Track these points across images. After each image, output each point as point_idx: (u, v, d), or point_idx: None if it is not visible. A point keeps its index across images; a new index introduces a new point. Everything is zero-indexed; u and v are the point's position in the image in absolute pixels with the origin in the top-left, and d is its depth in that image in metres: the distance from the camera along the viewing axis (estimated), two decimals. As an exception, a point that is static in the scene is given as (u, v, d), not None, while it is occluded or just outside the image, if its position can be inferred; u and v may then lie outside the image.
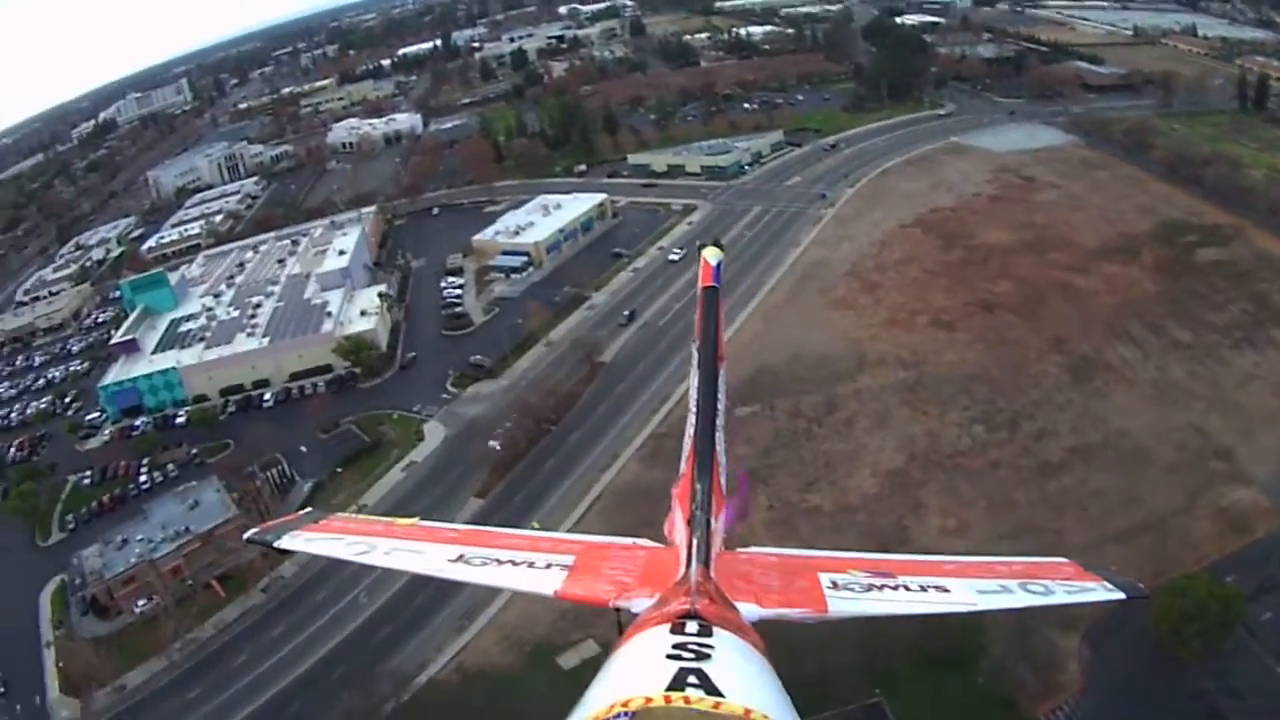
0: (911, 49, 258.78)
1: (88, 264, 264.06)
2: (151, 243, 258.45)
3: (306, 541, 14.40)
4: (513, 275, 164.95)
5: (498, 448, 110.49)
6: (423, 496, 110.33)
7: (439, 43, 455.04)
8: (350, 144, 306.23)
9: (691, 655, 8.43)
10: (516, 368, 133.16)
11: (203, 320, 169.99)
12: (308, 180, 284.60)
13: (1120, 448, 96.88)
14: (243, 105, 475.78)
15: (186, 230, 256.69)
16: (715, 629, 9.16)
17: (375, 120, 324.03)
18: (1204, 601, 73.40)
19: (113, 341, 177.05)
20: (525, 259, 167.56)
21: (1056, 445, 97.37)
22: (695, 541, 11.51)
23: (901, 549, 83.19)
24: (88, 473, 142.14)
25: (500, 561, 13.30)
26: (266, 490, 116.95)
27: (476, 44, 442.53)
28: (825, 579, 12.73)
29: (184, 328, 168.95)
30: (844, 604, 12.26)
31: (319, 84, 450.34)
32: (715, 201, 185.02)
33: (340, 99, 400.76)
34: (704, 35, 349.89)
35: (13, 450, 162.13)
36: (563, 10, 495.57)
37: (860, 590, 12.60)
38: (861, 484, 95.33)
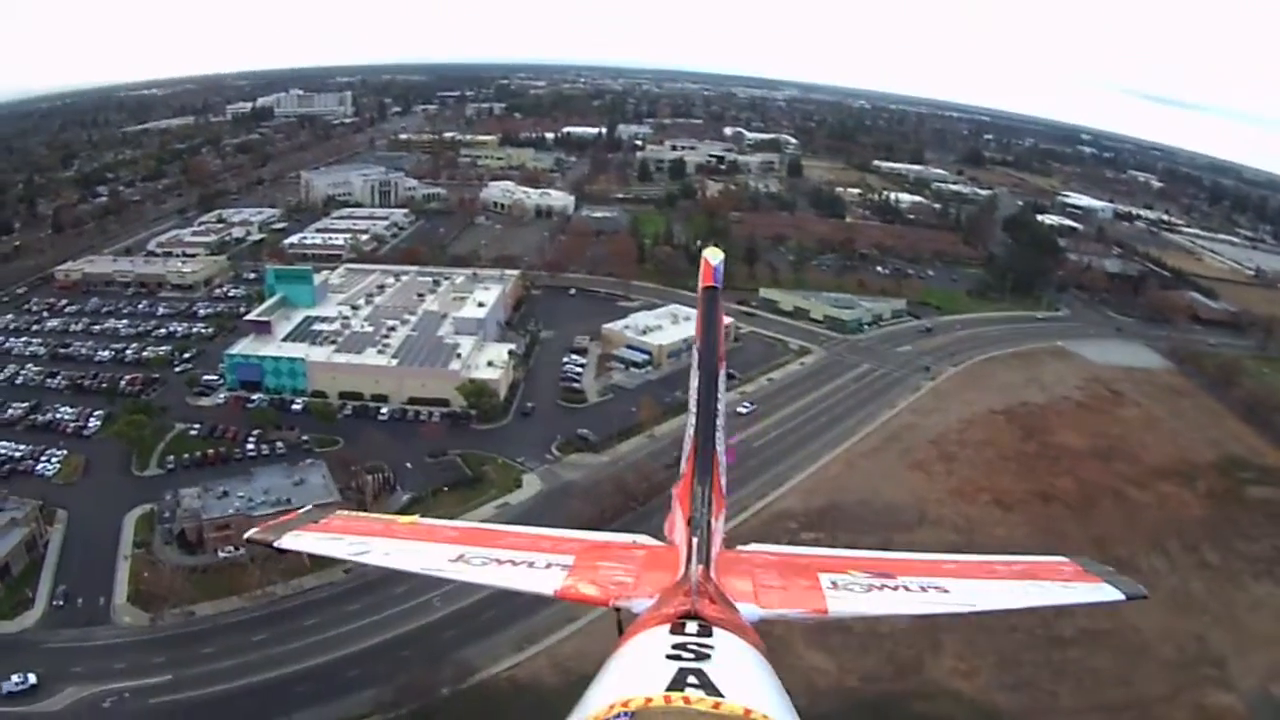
0: (1043, 249, 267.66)
1: (227, 239, 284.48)
2: (294, 239, 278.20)
3: (307, 541, 14.96)
4: (632, 368, 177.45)
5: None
6: None
7: (604, 131, 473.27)
8: (502, 205, 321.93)
9: (691, 655, 8.87)
10: (619, 449, 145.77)
11: (337, 325, 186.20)
12: (455, 228, 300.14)
13: (1126, 638, 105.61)
14: (403, 136, 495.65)
15: (331, 239, 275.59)
16: (715, 629, 9.63)
17: (530, 189, 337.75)
18: None
19: (248, 317, 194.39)
20: (647, 357, 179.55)
21: (1071, 624, 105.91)
22: (695, 541, 11.91)
23: (917, 678, 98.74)
24: (197, 426, 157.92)
25: (500, 561, 13.82)
26: (368, 490, 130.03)
27: (639, 142, 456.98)
28: (825, 579, 13.33)
29: (317, 327, 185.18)
30: (844, 604, 12.79)
31: (481, 138, 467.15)
32: (830, 351, 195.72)
33: (499, 159, 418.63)
34: (855, 191, 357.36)
35: (124, 383, 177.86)
36: (728, 131, 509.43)
37: (860, 590, 13.13)
38: (894, 624, 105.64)
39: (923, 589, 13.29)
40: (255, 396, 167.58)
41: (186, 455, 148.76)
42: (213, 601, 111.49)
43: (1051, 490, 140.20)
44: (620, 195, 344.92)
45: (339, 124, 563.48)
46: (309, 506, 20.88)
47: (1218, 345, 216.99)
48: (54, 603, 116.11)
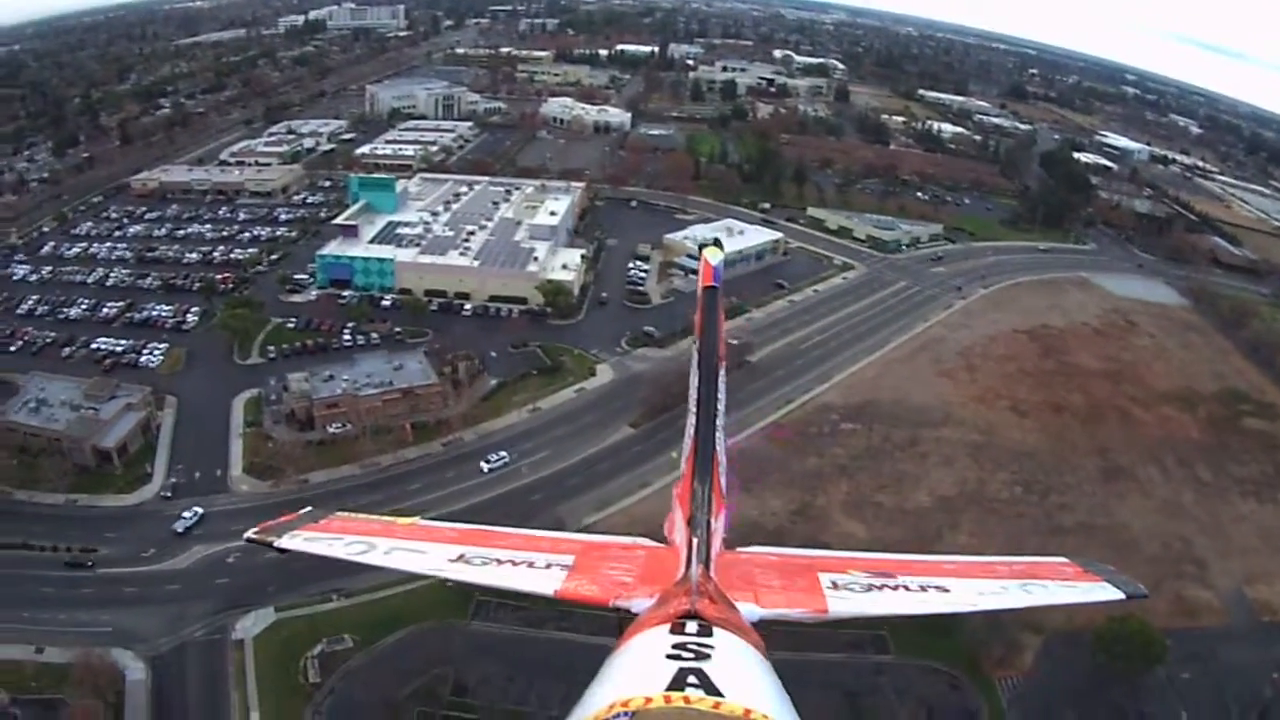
0: (1076, 186, 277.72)
1: (298, 149, 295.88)
2: (366, 149, 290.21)
3: (307, 541, 15.21)
4: (690, 275, 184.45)
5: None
6: (588, 414, 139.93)
7: (656, 50, 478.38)
8: (562, 121, 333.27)
9: (691, 655, 9.10)
10: (681, 345, 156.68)
11: (419, 230, 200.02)
12: (518, 141, 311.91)
13: (1118, 534, 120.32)
14: (459, 50, 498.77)
15: (400, 149, 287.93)
16: (715, 629, 9.94)
17: (588, 106, 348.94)
18: (1134, 634, 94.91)
19: (335, 221, 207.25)
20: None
21: (1070, 517, 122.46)
22: (695, 542, 12.38)
23: (933, 546, 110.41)
24: (293, 319, 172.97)
25: (500, 561, 14.18)
26: (463, 372, 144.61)
27: (691, 62, 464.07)
28: (825, 579, 13.82)
29: (400, 231, 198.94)
30: (844, 604, 13.29)
31: (537, 54, 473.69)
32: (871, 267, 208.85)
33: (556, 75, 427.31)
34: (900, 119, 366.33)
35: (218, 280, 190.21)
36: (777, 54, 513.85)
37: (860, 590, 13.66)
38: (919, 498, 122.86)
39: (922, 588, 13.73)
40: (346, 293, 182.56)
41: (285, 345, 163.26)
42: (325, 470, 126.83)
43: (1064, 403, 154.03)
44: (674, 114, 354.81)
45: (393, 37, 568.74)
46: (309, 507, 20.22)
47: (1234, 288, 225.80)
48: (170, 479, 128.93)
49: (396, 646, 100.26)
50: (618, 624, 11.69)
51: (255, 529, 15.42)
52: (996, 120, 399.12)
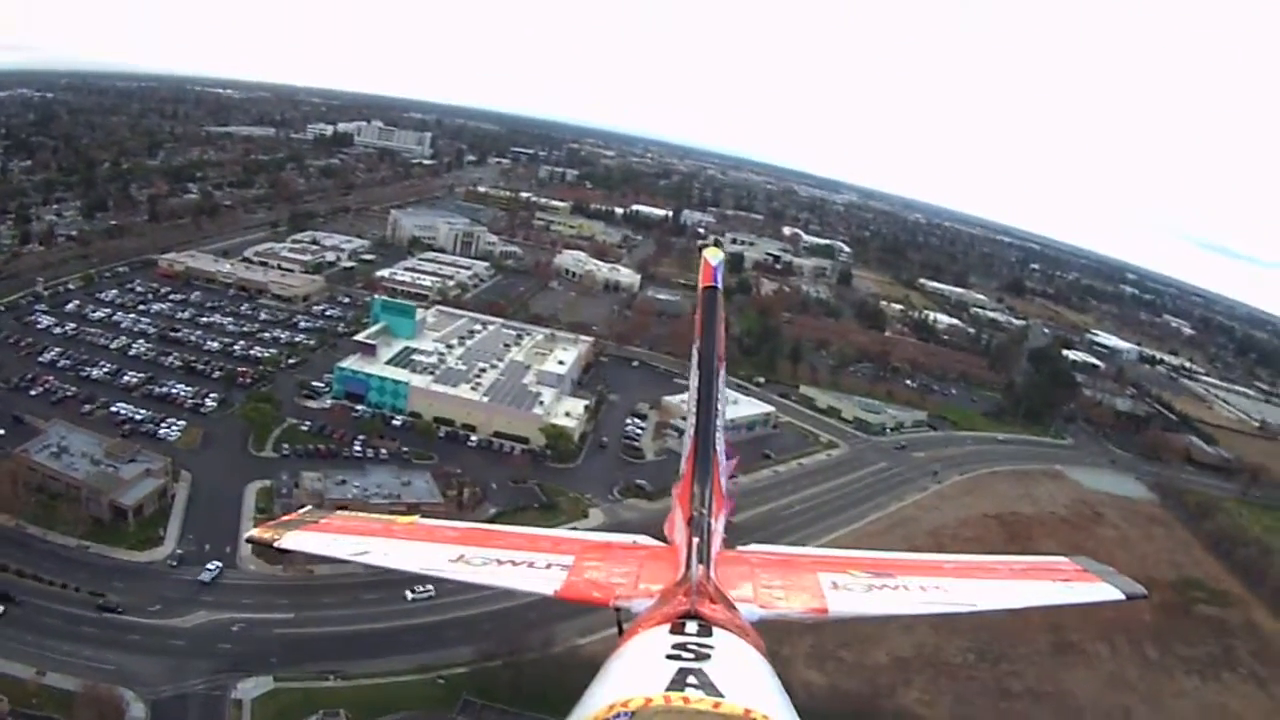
0: (1061, 382, 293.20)
1: (321, 261, 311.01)
2: (386, 272, 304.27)
3: (307, 541, 15.31)
4: (683, 437, 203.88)
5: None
6: None
7: (670, 214, 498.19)
8: (574, 274, 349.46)
9: (691, 655, 8.97)
10: (668, 502, 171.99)
11: (434, 359, 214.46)
12: (531, 288, 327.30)
13: (1063, 700, 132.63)
14: (481, 188, 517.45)
15: (419, 279, 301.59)
16: (715, 629, 9.80)
17: (600, 263, 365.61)
18: None
19: (356, 338, 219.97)
20: None
21: (1019, 683, 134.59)
22: (695, 541, 12.30)
23: (884, 700, 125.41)
24: (307, 423, 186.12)
25: (500, 561, 14.24)
26: (466, 497, 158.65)
27: (703, 230, 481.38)
28: (826, 579, 13.71)
29: (416, 357, 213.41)
30: (844, 604, 13.11)
31: (555, 202, 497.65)
32: (854, 447, 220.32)
33: (572, 227, 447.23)
34: (898, 306, 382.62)
35: (238, 372, 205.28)
36: (786, 230, 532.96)
37: (860, 590, 13.55)
38: (877, 656, 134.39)
39: (922, 589, 13.76)
40: (359, 407, 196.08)
41: (299, 445, 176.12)
42: (331, 565, 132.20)
43: None
44: (682, 281, 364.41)
45: (417, 164, 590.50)
46: (308, 507, 21.35)
47: (1204, 485, 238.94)
48: (179, 548, 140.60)
49: None
50: (617, 624, 11.85)
51: (257, 529, 15.38)
52: (992, 314, 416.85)
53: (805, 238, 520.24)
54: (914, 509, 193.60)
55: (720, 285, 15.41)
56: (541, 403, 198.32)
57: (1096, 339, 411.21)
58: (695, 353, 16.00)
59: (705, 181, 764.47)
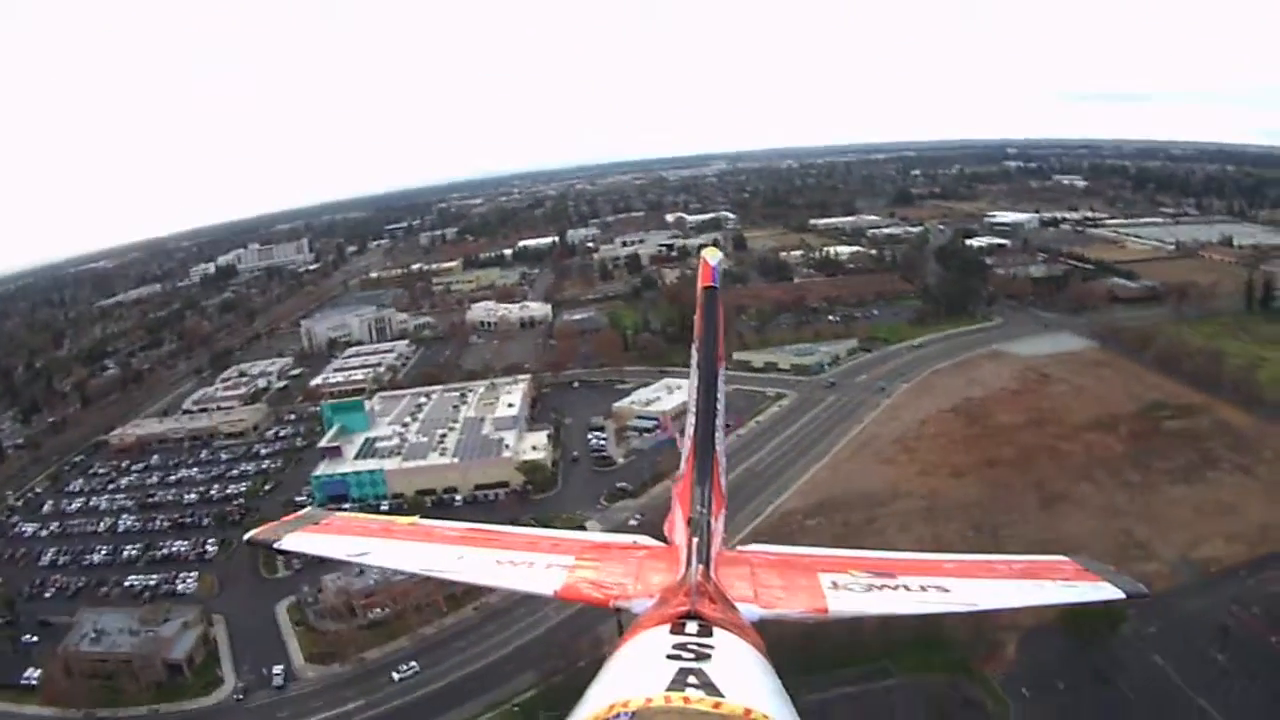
0: (970, 271, 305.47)
1: (253, 389, 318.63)
2: (319, 380, 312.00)
3: (307, 542, 16.04)
4: (644, 434, 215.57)
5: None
6: None
7: (556, 239, 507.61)
8: (489, 323, 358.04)
9: (691, 655, 9.35)
10: (652, 491, 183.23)
11: (395, 441, 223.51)
12: (454, 350, 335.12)
13: (1065, 541, 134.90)
14: (373, 274, 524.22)
15: (351, 375, 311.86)
16: (715, 629, 10.17)
17: (510, 305, 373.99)
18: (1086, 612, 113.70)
19: (319, 445, 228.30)
20: (655, 422, 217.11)
21: (1020, 543, 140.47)
22: (695, 541, 12.67)
23: None
24: None
25: (500, 562, 14.83)
26: None
27: (592, 244, 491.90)
28: (825, 579, 14.17)
29: (379, 445, 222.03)
30: (844, 604, 13.64)
31: (445, 265, 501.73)
32: (800, 391, 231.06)
33: (469, 281, 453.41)
34: (798, 252, 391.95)
35: (227, 512, 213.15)
36: (669, 218, 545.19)
37: (860, 590, 14.01)
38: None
39: (922, 588, 14.08)
40: (345, 506, 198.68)
41: (302, 559, 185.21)
42: (378, 648, 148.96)
43: (996, 457, 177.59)
44: (589, 297, 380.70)
45: (304, 271, 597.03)
46: (309, 508, 21.55)
47: (1137, 318, 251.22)
48: (240, 682, 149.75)
49: None
50: (618, 624, 12.49)
51: (257, 530, 15.80)
52: (888, 230, 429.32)
53: (689, 218, 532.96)
54: (874, 426, 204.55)
55: (719, 285, 15.41)
56: (507, 446, 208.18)
57: (995, 220, 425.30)
58: (695, 353, 16.17)
59: (577, 197, 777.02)
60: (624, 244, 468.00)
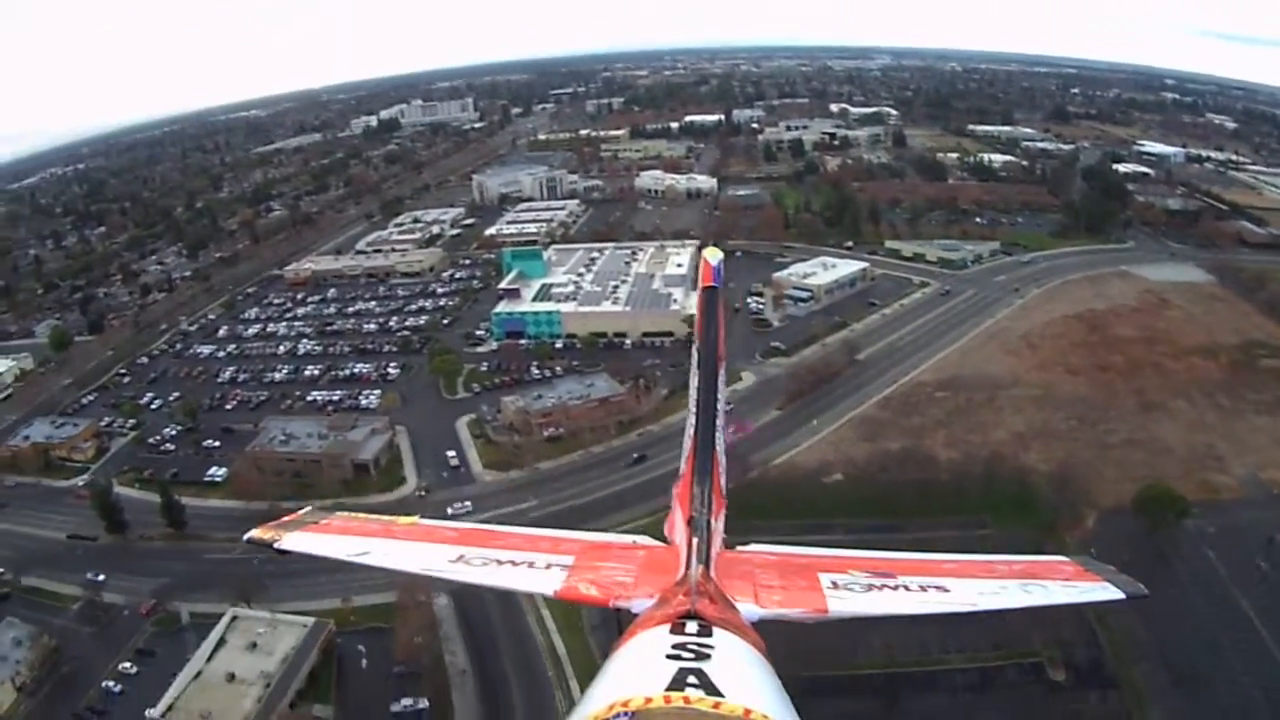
0: (1112, 194, 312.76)
1: (427, 235, 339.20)
2: (493, 230, 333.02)
3: (307, 542, 15.36)
4: (799, 304, 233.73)
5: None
6: (742, 406, 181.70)
7: (722, 117, 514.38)
8: (656, 191, 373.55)
9: (691, 655, 9.31)
10: (802, 354, 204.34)
11: (570, 288, 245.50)
12: (623, 213, 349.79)
13: (1153, 444, 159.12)
14: (540, 136, 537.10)
15: (523, 228, 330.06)
16: (715, 629, 10.15)
17: (677, 176, 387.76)
18: (1162, 496, 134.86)
19: (499, 286, 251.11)
20: (809, 294, 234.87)
21: (1116, 438, 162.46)
22: (695, 541, 12.51)
23: (1014, 461, 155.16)
24: (484, 364, 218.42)
25: (500, 562, 14.48)
26: (640, 388, 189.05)
27: (756, 125, 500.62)
28: (825, 579, 13.97)
29: (554, 290, 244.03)
30: (844, 604, 13.43)
31: (613, 132, 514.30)
32: (943, 282, 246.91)
33: (637, 151, 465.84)
34: (954, 155, 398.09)
35: (411, 340, 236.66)
36: (834, 108, 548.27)
37: (860, 590, 13.82)
38: (998, 434, 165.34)
39: (922, 588, 13.95)
40: (522, 342, 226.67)
41: (484, 383, 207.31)
42: (551, 460, 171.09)
43: (1107, 363, 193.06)
44: (753, 175, 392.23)
45: (469, 129, 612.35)
46: (309, 508, 19.11)
47: (1258, 262, 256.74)
48: (421, 482, 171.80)
49: None
50: (617, 624, 12.13)
51: (256, 530, 15.36)
52: (1041, 144, 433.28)
53: (853, 110, 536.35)
54: (1005, 321, 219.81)
55: (720, 285, 14.88)
56: (674, 301, 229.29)
57: (1144, 149, 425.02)
58: (695, 353, 15.73)
59: (743, 78, 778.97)
60: (788, 128, 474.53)
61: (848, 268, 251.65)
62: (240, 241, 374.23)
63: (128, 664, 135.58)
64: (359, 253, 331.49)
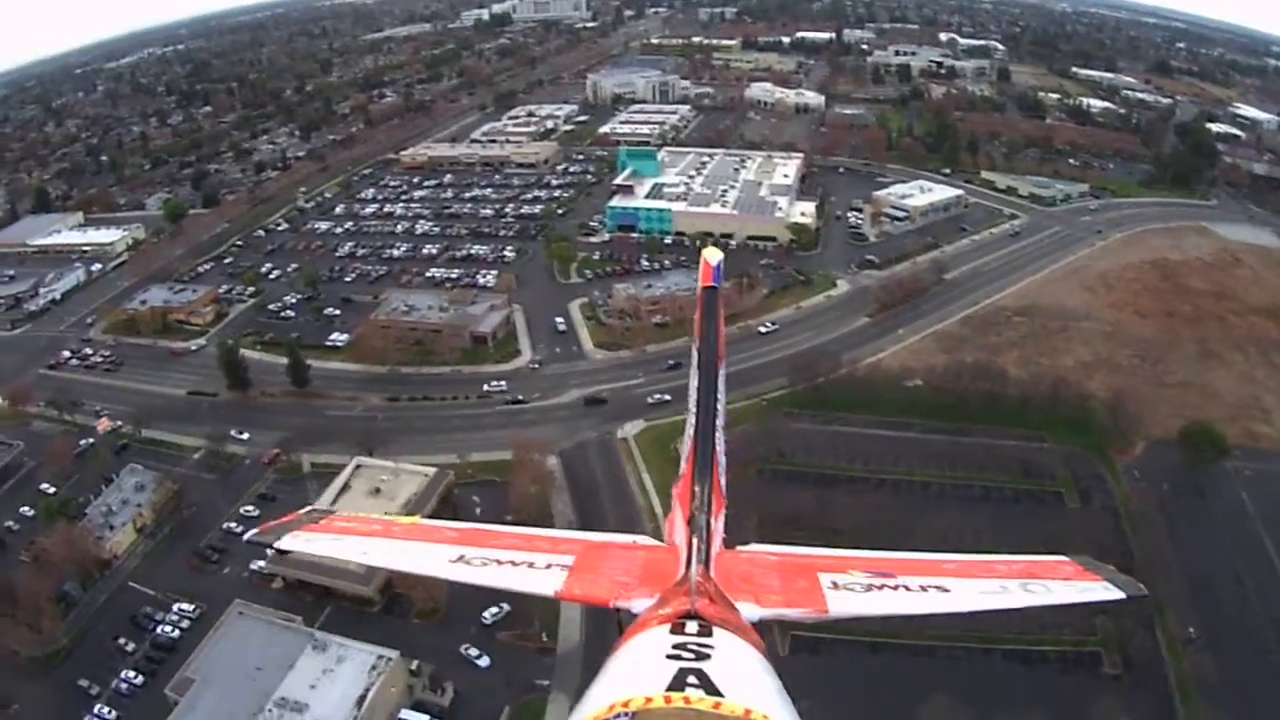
0: (1202, 152, 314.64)
1: (541, 129, 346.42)
2: (606, 128, 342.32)
3: (307, 542, 15.11)
4: (895, 222, 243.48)
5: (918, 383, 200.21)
6: (836, 310, 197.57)
7: (833, 36, 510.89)
8: (766, 103, 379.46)
9: (691, 655, 9.17)
10: (894, 269, 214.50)
11: (682, 188, 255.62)
12: (732, 122, 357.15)
13: (1205, 389, 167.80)
14: (653, 40, 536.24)
15: (637, 128, 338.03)
16: (715, 629, 10.00)
17: (786, 90, 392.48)
18: (1204, 434, 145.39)
19: (615, 183, 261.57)
20: (905, 215, 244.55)
21: (1172, 378, 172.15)
22: (695, 541, 12.19)
23: (1079, 386, 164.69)
24: (597, 253, 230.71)
25: (500, 562, 14.17)
26: (743, 285, 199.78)
27: (865, 46, 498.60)
28: (825, 579, 13.77)
29: (666, 189, 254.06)
30: (844, 604, 13.30)
31: (725, 42, 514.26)
32: (1031, 216, 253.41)
33: (748, 61, 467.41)
34: (1055, 96, 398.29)
35: (527, 225, 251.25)
36: (943, 37, 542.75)
37: (860, 590, 13.64)
38: (1066, 361, 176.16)
39: (922, 589, 13.73)
40: (633, 235, 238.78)
41: (596, 270, 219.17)
42: (656, 345, 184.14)
43: (1174, 310, 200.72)
44: (859, 95, 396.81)
45: (581, 27, 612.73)
46: (309, 508, 19.60)
47: None
48: (535, 356, 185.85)
49: (736, 435, 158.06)
50: (617, 624, 12.08)
51: (256, 530, 15.10)
52: (1140, 95, 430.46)
53: (961, 41, 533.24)
54: (1084, 260, 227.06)
55: (720, 285, 14.79)
56: (779, 208, 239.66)
57: (1238, 111, 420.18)
58: (695, 353, 15.54)
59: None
60: (896, 52, 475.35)
61: (943, 193, 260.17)
62: (354, 125, 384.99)
63: (250, 507, 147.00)
64: (474, 141, 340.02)
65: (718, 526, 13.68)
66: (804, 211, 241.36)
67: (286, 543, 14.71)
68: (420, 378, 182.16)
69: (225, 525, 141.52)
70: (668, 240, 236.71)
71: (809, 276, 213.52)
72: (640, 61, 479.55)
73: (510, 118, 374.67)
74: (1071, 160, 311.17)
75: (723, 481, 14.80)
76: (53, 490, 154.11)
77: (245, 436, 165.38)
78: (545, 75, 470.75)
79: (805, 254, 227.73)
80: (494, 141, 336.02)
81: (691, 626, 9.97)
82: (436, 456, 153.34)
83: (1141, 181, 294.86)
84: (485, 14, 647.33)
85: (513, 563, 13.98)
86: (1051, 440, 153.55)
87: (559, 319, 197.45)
